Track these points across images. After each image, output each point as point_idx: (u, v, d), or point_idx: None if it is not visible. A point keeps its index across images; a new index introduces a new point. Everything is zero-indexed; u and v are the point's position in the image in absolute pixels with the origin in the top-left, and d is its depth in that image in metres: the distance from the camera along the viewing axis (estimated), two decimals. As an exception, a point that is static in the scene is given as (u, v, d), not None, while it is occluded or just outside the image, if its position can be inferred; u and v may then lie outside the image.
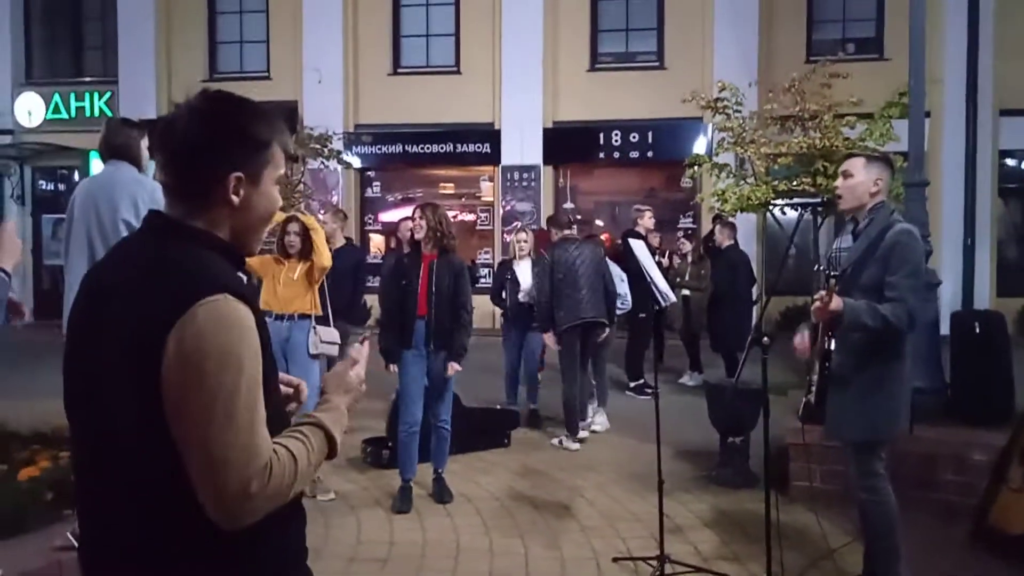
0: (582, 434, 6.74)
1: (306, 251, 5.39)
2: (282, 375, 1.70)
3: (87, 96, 16.29)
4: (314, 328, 5.61)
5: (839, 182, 3.76)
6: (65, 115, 16.26)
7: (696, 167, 10.96)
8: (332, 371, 1.69)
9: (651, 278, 4.28)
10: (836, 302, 3.40)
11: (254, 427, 1.36)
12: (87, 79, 16.66)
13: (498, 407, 7.14)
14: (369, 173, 15.98)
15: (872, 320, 3.40)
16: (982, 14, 13.67)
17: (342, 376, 1.66)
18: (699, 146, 13.91)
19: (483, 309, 13.46)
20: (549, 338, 7.00)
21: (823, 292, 3.43)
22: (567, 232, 6.98)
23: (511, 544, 4.54)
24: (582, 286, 6.65)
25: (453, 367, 5.16)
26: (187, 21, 16.12)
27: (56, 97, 16.40)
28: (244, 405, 1.35)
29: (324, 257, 5.37)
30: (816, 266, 3.78)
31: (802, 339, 3.78)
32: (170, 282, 1.38)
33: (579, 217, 9.03)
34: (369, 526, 4.83)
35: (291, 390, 1.74)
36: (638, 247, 4.31)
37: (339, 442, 1.53)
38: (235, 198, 1.49)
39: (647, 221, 8.23)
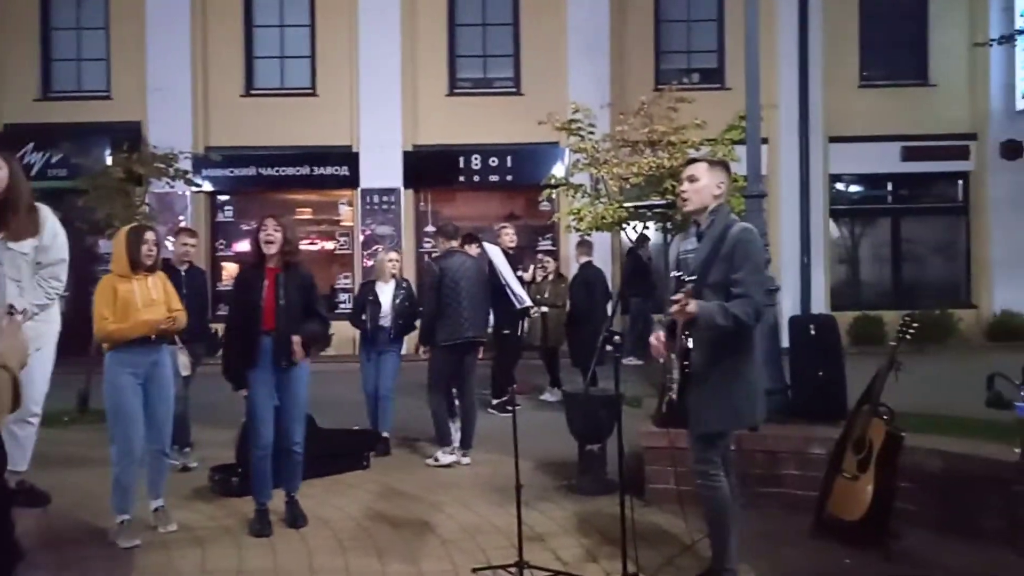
0: (453, 458, 6.60)
1: (157, 264, 4.99)
2: None
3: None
4: (181, 349, 5.27)
5: (684, 186, 3.90)
6: None
7: (553, 188, 11.18)
8: None
9: (506, 281, 4.29)
10: (692, 305, 3.53)
11: None
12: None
13: (356, 428, 6.94)
14: (221, 197, 15.36)
15: (724, 319, 3.56)
16: (812, 48, 14.76)
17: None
18: (557, 170, 14.21)
19: (343, 334, 13.24)
20: (422, 351, 6.83)
21: (680, 295, 3.55)
22: (454, 244, 6.88)
23: (368, 563, 4.38)
24: (465, 302, 6.55)
25: (296, 341, 4.86)
26: (18, 37, 15.05)
27: None
28: None
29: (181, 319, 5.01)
30: (671, 272, 3.90)
31: (658, 339, 3.87)
32: None
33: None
34: (215, 555, 4.54)
35: None
36: (494, 252, 4.31)
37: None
38: None
39: (506, 238, 8.28)
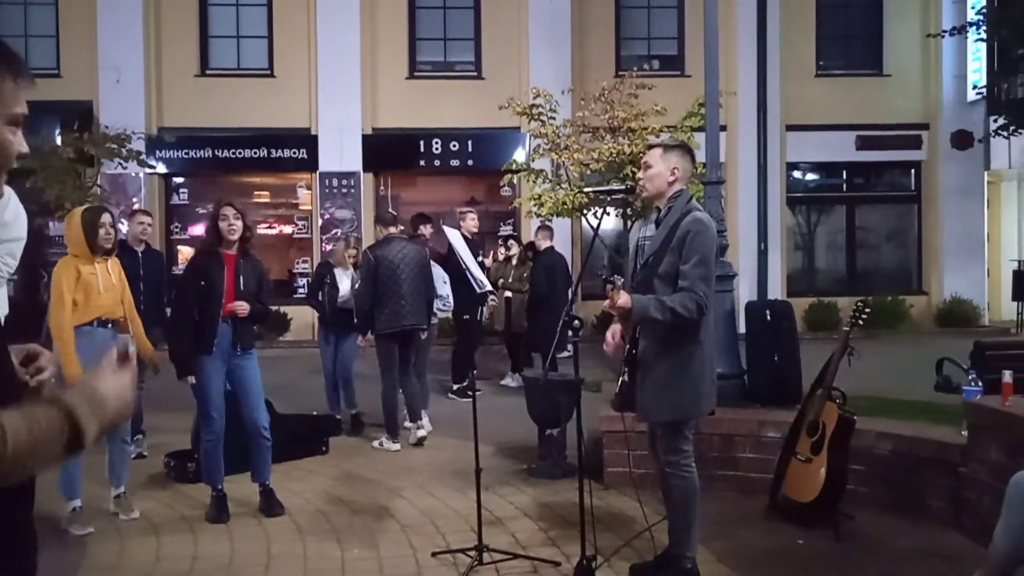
0: (420, 434, 6.62)
1: (114, 248, 4.90)
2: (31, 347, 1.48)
3: None
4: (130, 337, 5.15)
5: (640, 173, 3.91)
6: None
7: (514, 174, 11.18)
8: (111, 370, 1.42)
9: (466, 265, 4.27)
10: (623, 299, 3.55)
11: None
12: None
13: (315, 413, 6.89)
14: (175, 179, 15.05)
15: (660, 313, 3.54)
16: (770, 38, 14.93)
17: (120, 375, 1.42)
18: (518, 155, 14.20)
19: (302, 319, 13.12)
20: (363, 341, 6.90)
21: (609, 287, 3.57)
22: (391, 230, 6.85)
23: (326, 548, 4.36)
24: (405, 289, 6.56)
25: (241, 306, 4.79)
26: (-39, 11, 14.57)
27: None
28: None
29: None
30: (600, 273, 3.90)
31: (612, 335, 3.89)
32: None
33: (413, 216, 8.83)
34: (170, 542, 4.49)
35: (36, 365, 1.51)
36: (453, 236, 4.29)
37: (92, 429, 1.29)
38: None
39: (470, 223, 8.24)
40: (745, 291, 13.00)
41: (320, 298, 7.24)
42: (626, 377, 3.82)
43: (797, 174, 16.15)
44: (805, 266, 16.38)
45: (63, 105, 13.89)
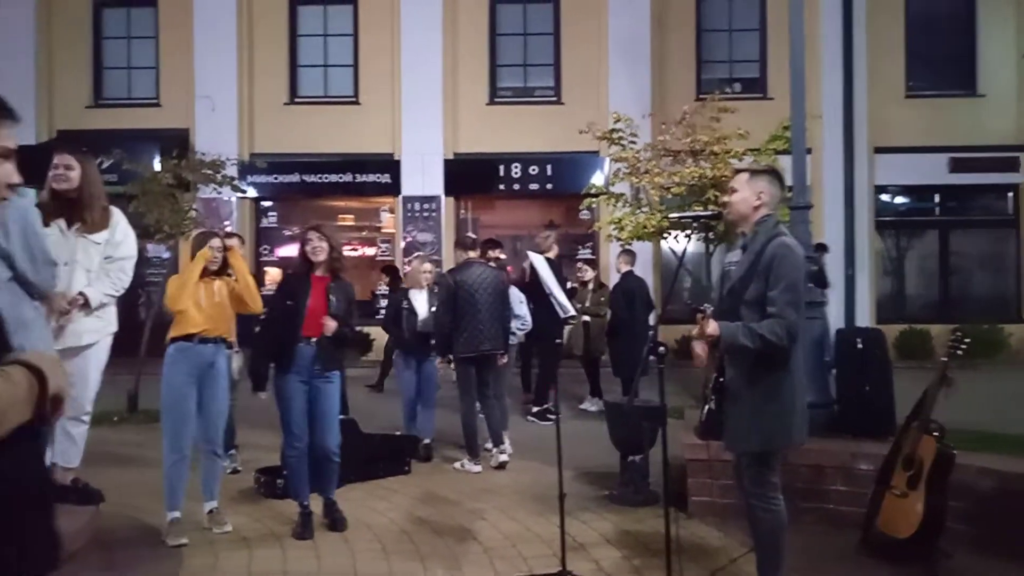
0: (502, 458, 6.65)
1: (224, 269, 5.11)
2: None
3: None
4: (236, 353, 5.37)
5: (726, 197, 3.88)
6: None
7: (593, 197, 11.20)
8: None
9: (550, 291, 4.29)
10: (711, 327, 3.50)
11: None
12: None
13: (398, 434, 6.99)
14: (265, 203, 15.62)
15: (749, 341, 3.48)
16: (856, 58, 14.61)
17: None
18: (596, 179, 14.23)
19: (382, 342, 13.33)
20: (442, 363, 6.97)
21: (699, 316, 3.53)
22: (471, 255, 6.95)
23: (411, 568, 4.41)
24: (483, 313, 6.64)
25: (329, 322, 4.92)
26: (71, 46, 15.47)
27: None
28: None
29: (256, 302, 5.14)
30: (689, 302, 3.86)
31: (702, 346, 3.83)
32: None
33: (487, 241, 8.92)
34: (261, 556, 4.60)
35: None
36: (538, 261, 4.33)
37: (52, 382, 1.44)
38: None
39: (551, 245, 8.27)
40: (832, 317, 12.63)
41: (398, 325, 7.30)
42: (712, 405, 3.76)
43: (886, 197, 15.68)
44: (895, 292, 15.85)
45: (162, 133, 14.66)
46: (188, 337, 4.86)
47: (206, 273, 4.95)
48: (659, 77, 15.02)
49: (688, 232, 9.56)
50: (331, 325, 4.92)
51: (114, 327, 4.89)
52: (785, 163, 7.52)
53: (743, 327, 3.52)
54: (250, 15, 15.34)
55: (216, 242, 4.98)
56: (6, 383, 1.38)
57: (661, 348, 3.72)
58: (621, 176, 10.46)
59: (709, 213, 4.76)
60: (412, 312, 7.26)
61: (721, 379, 3.72)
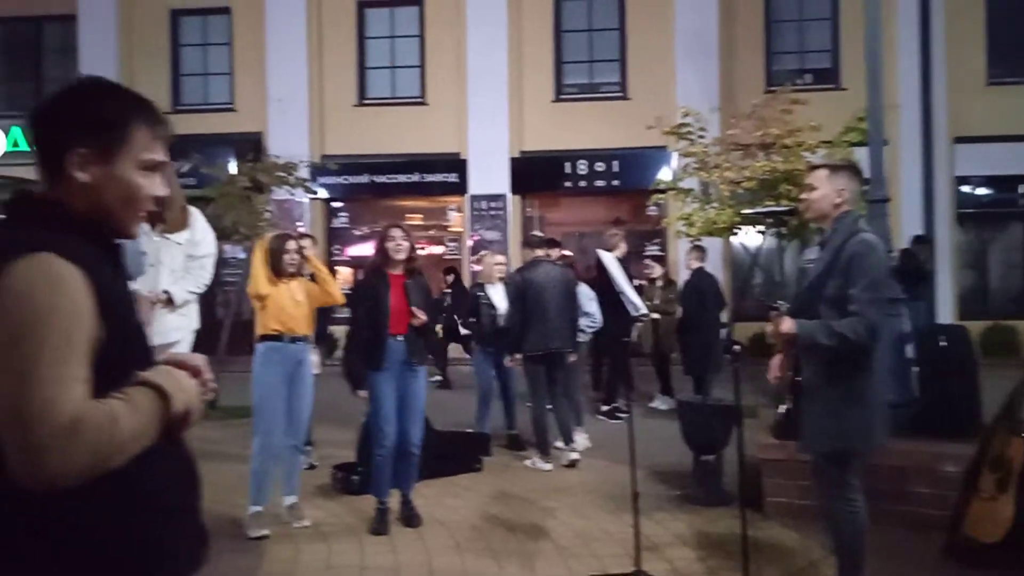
0: (573, 456, 6.65)
1: (301, 270, 5.24)
2: (180, 355, 1.61)
3: (47, 129, 16.06)
4: (315, 349, 5.51)
5: (804, 194, 3.80)
6: (25, 147, 15.98)
7: (661, 193, 11.09)
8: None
9: (621, 288, 4.28)
10: (786, 324, 3.43)
11: (63, 383, 1.32)
12: (47, 112, 16.42)
13: (469, 431, 7.06)
14: (335, 204, 15.93)
15: (827, 338, 3.39)
16: (934, 46, 14.11)
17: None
18: (663, 174, 14.08)
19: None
20: (511, 360, 7.01)
21: (774, 313, 3.47)
22: (538, 253, 6.98)
23: (485, 565, 4.45)
24: (551, 311, 6.66)
25: (420, 314, 5.00)
26: (149, 54, 16.02)
27: (15, 130, 16.14)
28: (50, 359, 1.32)
29: (337, 292, 5.27)
30: (761, 299, 3.79)
31: (777, 362, 3.76)
32: None
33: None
34: (339, 551, 4.71)
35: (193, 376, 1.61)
36: (608, 259, 4.32)
37: (178, 401, 1.45)
38: (81, 175, 1.49)
39: (617, 243, 8.23)
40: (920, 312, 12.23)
41: (474, 319, 7.41)
42: (789, 405, 3.70)
43: (967, 189, 15.12)
44: (978, 287, 15.27)
45: (237, 137, 15.08)
46: (277, 336, 5.00)
47: (285, 275, 5.08)
48: (727, 70, 14.79)
49: (761, 228, 9.38)
50: (422, 317, 5.00)
51: (196, 324, 5.06)
52: (860, 155, 7.36)
53: (821, 325, 3.44)
54: (319, 19, 15.65)
55: (292, 244, 5.11)
56: (130, 411, 1.38)
57: (736, 346, 3.67)
58: (690, 171, 10.31)
59: (784, 208, 4.68)
60: (490, 306, 7.32)
61: (797, 378, 3.66)
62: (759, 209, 7.68)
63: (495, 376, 7.39)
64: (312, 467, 6.57)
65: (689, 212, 9.94)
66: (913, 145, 14.11)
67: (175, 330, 4.82)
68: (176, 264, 4.77)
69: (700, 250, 9.10)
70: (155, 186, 1.56)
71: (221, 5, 15.94)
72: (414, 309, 4.99)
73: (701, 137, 10.12)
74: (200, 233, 4.96)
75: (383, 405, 5.07)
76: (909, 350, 5.71)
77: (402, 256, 5.04)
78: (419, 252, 5.26)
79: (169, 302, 4.69)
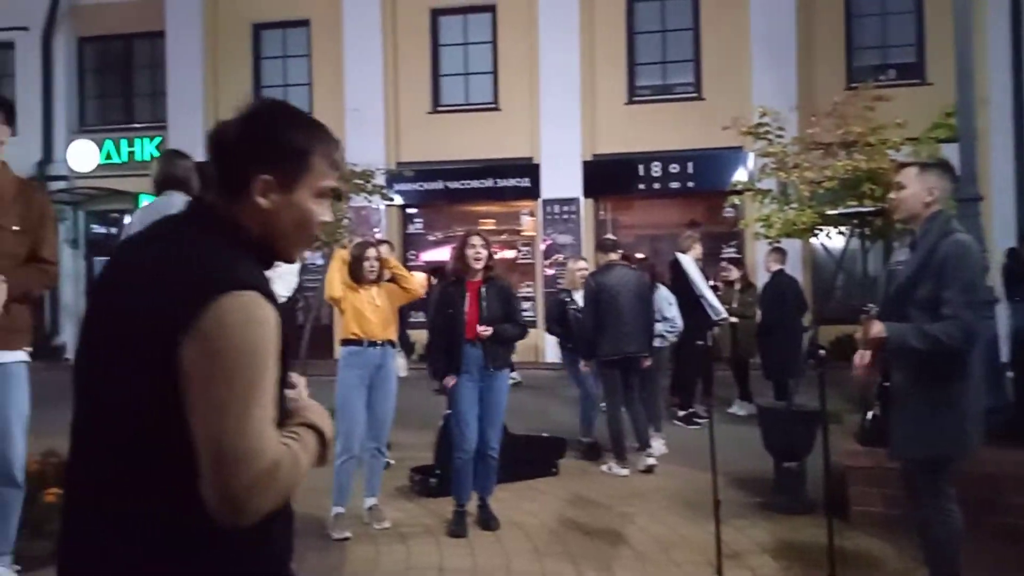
0: (650, 461, 6.61)
1: (380, 277, 5.34)
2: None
3: (137, 142, 16.78)
4: (400, 352, 5.62)
5: (893, 193, 3.69)
6: (117, 160, 16.74)
7: (739, 194, 10.89)
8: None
9: (701, 292, 4.22)
10: (876, 328, 3.33)
11: (265, 425, 1.35)
12: (137, 125, 17.17)
13: (544, 435, 7.07)
14: (410, 210, 16.17)
15: (920, 342, 3.28)
16: (1026, 36, 13.52)
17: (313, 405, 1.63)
18: (739, 175, 13.86)
19: (526, 342, 13.50)
20: (586, 365, 6.99)
21: (863, 317, 3.37)
22: (612, 257, 6.95)
23: (563, 569, 4.45)
24: (625, 315, 6.61)
25: (484, 330, 5.05)
26: (232, 67, 16.56)
27: (108, 143, 16.91)
28: (260, 403, 1.34)
29: (416, 285, 5.38)
30: (842, 301, 3.68)
31: (861, 357, 3.66)
32: (194, 273, 1.39)
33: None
34: (418, 552, 4.78)
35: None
36: (687, 262, 4.27)
37: (329, 437, 1.53)
38: (263, 200, 1.50)
39: (691, 245, 8.11)
40: (1003, 313, 11.72)
41: (564, 325, 7.41)
42: (878, 411, 3.59)
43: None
44: (1076, 287, 14.49)
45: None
46: (357, 341, 5.11)
47: (365, 282, 5.19)
48: (806, 67, 14.44)
49: (844, 229, 9.11)
50: (484, 333, 5.05)
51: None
52: (949, 152, 7.09)
53: (913, 328, 3.33)
54: (395, 28, 15.92)
55: (372, 251, 5.21)
56: (303, 451, 1.44)
57: (821, 351, 3.58)
58: (768, 171, 10.10)
59: (872, 209, 4.54)
60: (579, 311, 7.33)
61: (885, 383, 3.55)
62: (844, 210, 7.45)
63: (580, 380, 7.36)
64: (387, 466, 6.67)
65: (767, 213, 9.74)
66: (1004, 141, 13.55)
67: None
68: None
69: (780, 252, 8.91)
70: (325, 212, 1.58)
71: (301, 18, 16.37)
72: (479, 329, 5.04)
73: (779, 137, 9.91)
74: None
75: (462, 409, 5.13)
76: (1003, 353, 5.49)
77: (481, 265, 5.10)
78: (496, 258, 5.29)
79: None
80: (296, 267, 5.11)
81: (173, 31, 16.56)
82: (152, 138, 16.69)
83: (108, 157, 16.85)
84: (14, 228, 3.63)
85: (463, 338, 5.07)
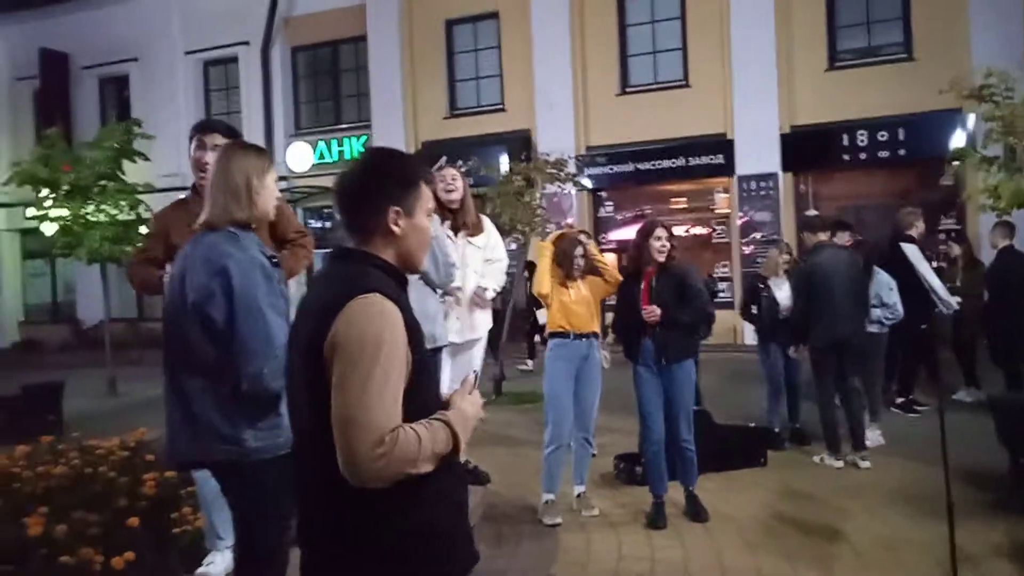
0: (864, 464, 6.28)
1: (587, 270, 5.44)
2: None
3: (346, 141, 17.98)
4: (603, 343, 5.78)
5: None
6: (328, 159, 18.03)
7: (961, 161, 10.03)
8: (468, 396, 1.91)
9: (930, 284, 3.97)
10: None
11: (384, 400, 1.67)
12: (344, 126, 18.38)
13: (752, 425, 6.93)
14: (601, 193, 16.21)
15: None
16: None
17: (472, 400, 1.91)
18: (957, 140, 12.74)
19: (723, 323, 13.23)
20: (796, 352, 6.78)
21: None
22: (820, 237, 6.66)
23: (779, 566, 4.38)
24: (838, 299, 6.32)
25: (651, 311, 5.01)
26: (428, 63, 17.30)
27: (320, 144, 18.25)
28: (379, 380, 1.67)
29: (618, 277, 5.49)
30: None
31: None
32: (338, 288, 1.78)
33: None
34: (628, 542, 4.87)
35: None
36: (912, 252, 4.03)
37: (463, 442, 1.79)
38: (395, 228, 1.89)
39: (912, 222, 7.53)
40: None
41: (756, 311, 7.27)
42: None
43: None
44: None
45: (507, 136, 15.90)
46: (563, 333, 5.28)
47: (572, 277, 5.33)
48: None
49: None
50: (652, 318, 5.03)
51: (491, 323, 5.50)
52: None
53: None
54: (582, 13, 15.95)
55: (580, 249, 5.33)
56: (430, 438, 1.73)
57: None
58: (995, 136, 9.23)
59: None
60: (772, 300, 7.17)
61: None
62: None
63: (779, 369, 7.18)
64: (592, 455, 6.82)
65: (995, 183, 8.91)
66: None
67: (482, 326, 5.29)
68: (478, 267, 5.21)
69: (1007, 227, 8.11)
70: (434, 228, 2.00)
71: (490, 10, 16.80)
72: (646, 308, 5.02)
73: (1008, 98, 9.01)
74: (494, 239, 5.40)
75: (644, 400, 5.20)
76: None
77: (664, 257, 5.09)
78: (677, 246, 5.23)
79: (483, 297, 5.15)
80: (503, 264, 5.36)
81: (374, 33, 17.54)
82: (359, 137, 17.82)
83: (321, 157, 18.19)
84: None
85: (639, 330, 5.11)
